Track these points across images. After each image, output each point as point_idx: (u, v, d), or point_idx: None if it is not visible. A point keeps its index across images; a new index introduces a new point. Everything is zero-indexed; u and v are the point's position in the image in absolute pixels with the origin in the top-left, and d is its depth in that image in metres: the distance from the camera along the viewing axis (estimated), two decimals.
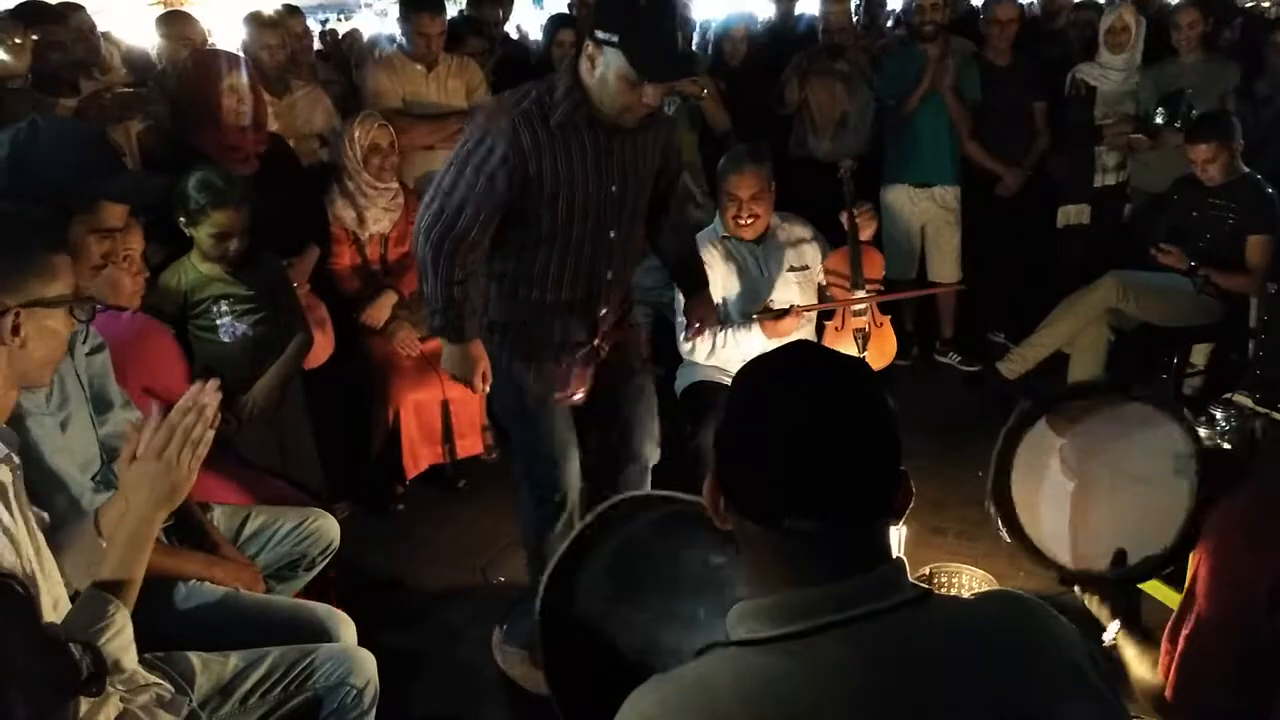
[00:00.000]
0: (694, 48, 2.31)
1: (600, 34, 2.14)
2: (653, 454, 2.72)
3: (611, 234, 2.40)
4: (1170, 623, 1.31)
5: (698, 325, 2.81)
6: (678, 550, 1.42)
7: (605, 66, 2.15)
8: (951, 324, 4.74)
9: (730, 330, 3.19)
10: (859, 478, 0.96)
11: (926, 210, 4.57)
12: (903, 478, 1.00)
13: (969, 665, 0.94)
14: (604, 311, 2.50)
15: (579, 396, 2.54)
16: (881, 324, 3.49)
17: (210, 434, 1.46)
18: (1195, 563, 1.32)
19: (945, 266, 4.62)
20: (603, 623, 1.42)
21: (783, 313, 3.15)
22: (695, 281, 2.80)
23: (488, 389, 2.46)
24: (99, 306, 2.36)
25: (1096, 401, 1.83)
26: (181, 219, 2.79)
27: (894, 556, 1.01)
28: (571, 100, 2.22)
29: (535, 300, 2.42)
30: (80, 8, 3.34)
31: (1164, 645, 1.32)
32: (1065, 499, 1.78)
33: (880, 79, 4.58)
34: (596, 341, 2.53)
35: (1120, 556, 1.65)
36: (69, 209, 1.88)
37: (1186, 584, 1.31)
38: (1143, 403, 1.76)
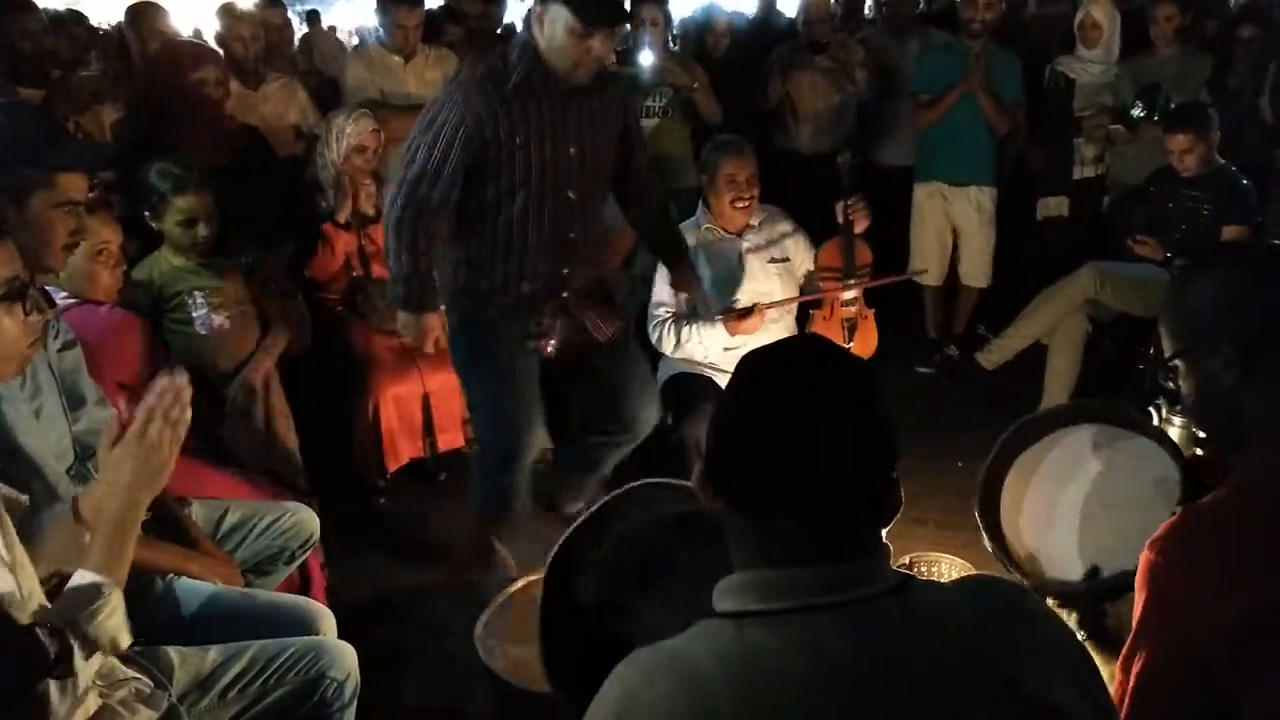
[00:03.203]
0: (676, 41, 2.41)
1: None
2: (650, 419, 2.74)
3: (570, 194, 2.44)
4: (1124, 653, 1.25)
5: (685, 296, 2.87)
6: (697, 545, 1.41)
7: (553, 24, 2.25)
8: (965, 320, 4.66)
9: (695, 326, 3.20)
10: (849, 480, 0.97)
11: (960, 210, 4.44)
12: (894, 484, 1.00)
13: (950, 644, 0.95)
14: (567, 271, 2.54)
15: (550, 349, 2.57)
16: (867, 315, 3.51)
17: (188, 415, 1.45)
18: (1142, 592, 1.24)
19: (976, 269, 4.51)
20: (608, 611, 1.41)
21: (746, 311, 3.16)
22: (676, 250, 2.85)
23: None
24: (74, 299, 2.35)
25: (1086, 422, 1.84)
26: (146, 213, 2.76)
27: (881, 544, 1.01)
28: (526, 63, 2.31)
29: (501, 264, 2.47)
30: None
31: (1117, 675, 1.26)
32: (1048, 511, 1.80)
33: (918, 73, 4.43)
34: (565, 295, 2.56)
35: (1094, 570, 1.66)
36: (26, 185, 1.84)
37: (1136, 617, 1.25)
38: (1127, 428, 1.77)
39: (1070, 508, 1.77)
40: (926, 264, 4.47)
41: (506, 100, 2.30)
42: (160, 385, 1.43)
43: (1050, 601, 1.69)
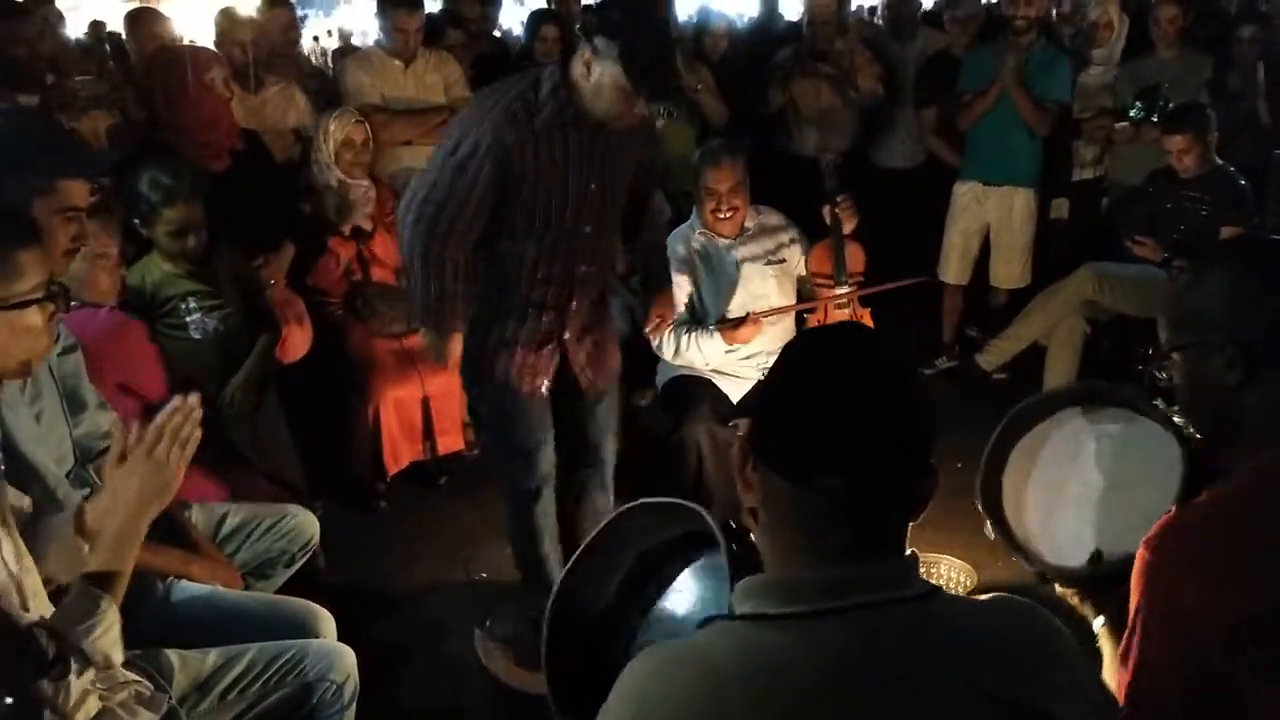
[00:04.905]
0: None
1: (600, 42, 2.15)
2: (610, 448, 2.74)
3: (587, 229, 2.41)
4: (1121, 648, 1.24)
5: (658, 320, 2.88)
6: (698, 571, 1.41)
7: (601, 74, 2.18)
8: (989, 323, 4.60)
9: (694, 335, 3.21)
10: (893, 440, 0.98)
11: (992, 210, 4.37)
12: (932, 470, 1.01)
13: (970, 662, 0.94)
14: (574, 305, 2.52)
15: (544, 385, 2.55)
16: (862, 316, 3.51)
17: (198, 434, 1.47)
18: (1138, 590, 1.22)
19: (1006, 270, 4.44)
20: (610, 632, 1.41)
21: (740, 321, 3.17)
22: (659, 277, 2.85)
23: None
24: (74, 303, 2.36)
25: (1092, 404, 1.83)
26: (136, 221, 2.76)
27: (908, 551, 1.02)
28: (558, 99, 2.24)
29: (509, 296, 2.45)
30: (49, 1, 3.32)
31: (1117, 670, 1.26)
32: (1051, 496, 1.79)
33: (966, 71, 4.35)
34: (566, 336, 2.55)
35: (1097, 555, 1.66)
36: (28, 191, 1.85)
37: (1131, 613, 1.24)
38: (1131, 409, 1.77)
39: (1074, 491, 1.77)
40: (947, 263, 4.46)
41: (536, 133, 2.24)
42: (173, 405, 1.46)
43: (1058, 588, 1.69)
